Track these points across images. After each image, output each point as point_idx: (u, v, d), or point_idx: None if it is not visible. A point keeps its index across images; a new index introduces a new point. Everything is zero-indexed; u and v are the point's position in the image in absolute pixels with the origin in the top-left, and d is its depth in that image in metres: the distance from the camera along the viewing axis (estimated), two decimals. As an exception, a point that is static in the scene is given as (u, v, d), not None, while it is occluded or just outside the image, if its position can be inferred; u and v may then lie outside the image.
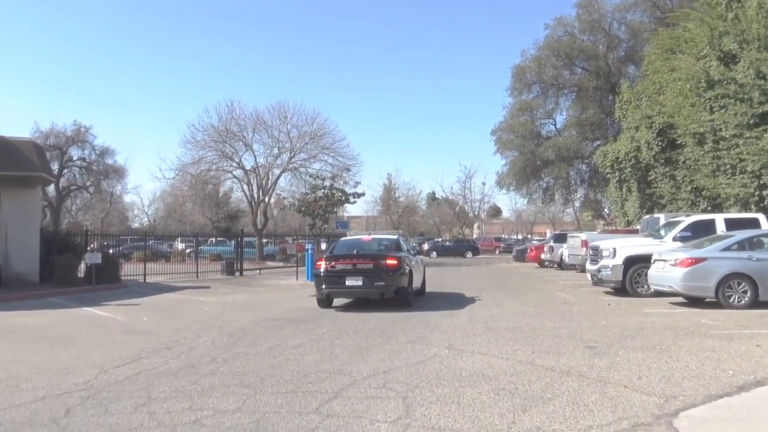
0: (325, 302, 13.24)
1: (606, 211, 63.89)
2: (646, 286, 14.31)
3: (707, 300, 12.10)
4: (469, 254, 50.71)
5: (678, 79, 20.03)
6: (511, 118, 36.54)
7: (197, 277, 25.94)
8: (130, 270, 24.36)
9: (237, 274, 27.90)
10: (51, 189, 72.58)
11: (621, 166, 26.33)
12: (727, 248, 11.92)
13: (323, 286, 12.82)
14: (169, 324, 10.99)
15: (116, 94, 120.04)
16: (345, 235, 34.92)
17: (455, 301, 14.17)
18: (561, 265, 28.43)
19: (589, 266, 15.81)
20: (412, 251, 15.89)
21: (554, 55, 33.87)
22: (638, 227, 28.40)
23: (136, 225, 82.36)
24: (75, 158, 73.62)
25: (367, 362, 7.04)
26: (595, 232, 21.71)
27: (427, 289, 16.64)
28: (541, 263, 31.64)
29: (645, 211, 27.14)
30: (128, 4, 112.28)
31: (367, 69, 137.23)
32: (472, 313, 11.84)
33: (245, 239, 42.62)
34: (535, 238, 73.47)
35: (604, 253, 14.87)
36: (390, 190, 71.67)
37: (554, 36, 34.25)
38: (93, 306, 14.19)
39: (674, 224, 15.18)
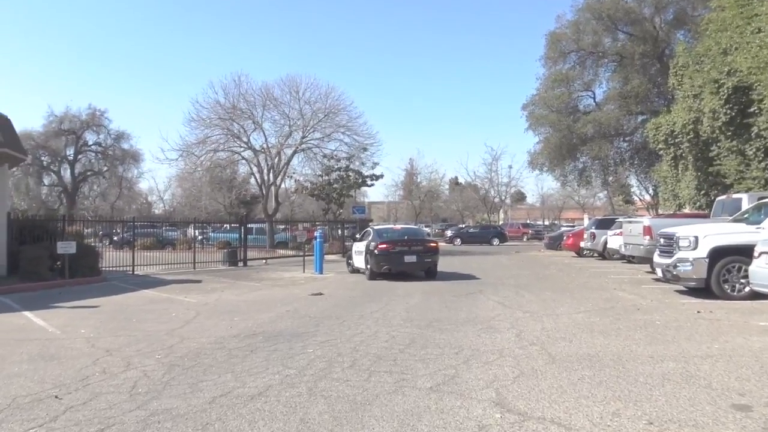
0: (378, 276, 17.03)
1: (637, 195, 60.03)
2: (737, 286, 11.10)
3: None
4: (496, 241, 47.47)
5: (759, 30, 16.59)
6: (545, 90, 32.95)
7: (194, 268, 23.18)
8: (122, 259, 21.61)
9: (240, 264, 25.11)
10: (67, 174, 71.25)
11: (677, 140, 22.81)
12: None
13: (383, 263, 16.73)
14: (108, 341, 8.09)
15: (129, 78, 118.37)
16: (366, 222, 32.21)
17: (490, 305, 11.05)
18: (604, 255, 25.21)
19: (658, 259, 12.55)
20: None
21: (595, 17, 30.07)
22: (685, 210, 25.12)
23: (157, 211, 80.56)
24: (90, 143, 72.05)
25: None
26: (653, 218, 18.33)
27: (453, 285, 14.40)
28: (579, 252, 28.36)
29: (702, 192, 23.70)
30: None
31: (384, 45, 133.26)
32: (517, 324, 8.74)
33: (257, 226, 40.15)
34: (564, 224, 69.97)
35: (682, 243, 11.60)
36: (412, 175, 68.30)
37: (594, -5, 30.60)
38: (38, 309, 11.37)
39: (772, 205, 11.84)
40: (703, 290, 11.46)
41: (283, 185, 39.22)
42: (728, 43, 20.23)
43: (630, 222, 16.28)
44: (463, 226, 60.69)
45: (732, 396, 4.90)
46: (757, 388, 5.14)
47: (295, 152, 35.03)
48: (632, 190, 60.10)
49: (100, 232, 41.35)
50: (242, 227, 26.60)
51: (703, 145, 22.38)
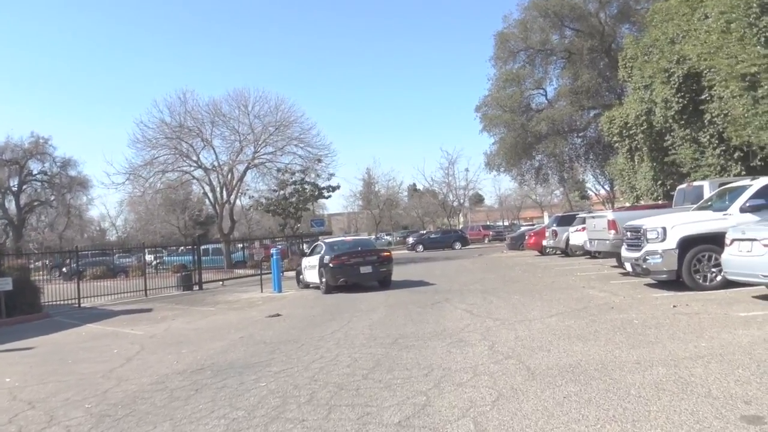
0: (334, 289, 16.89)
1: (592, 190, 60.67)
2: (709, 276, 10.75)
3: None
4: (458, 245, 47.15)
5: (706, 16, 16.51)
6: (497, 91, 32.75)
7: (146, 295, 21.98)
8: (69, 292, 20.26)
9: (196, 288, 23.99)
10: (12, 206, 68.30)
11: (631, 132, 22.73)
12: None
13: (339, 276, 16.65)
14: (33, 390, 7.15)
15: (72, 103, 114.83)
16: (328, 235, 31.42)
17: (458, 315, 10.43)
18: (567, 252, 25.00)
19: (626, 253, 12.14)
20: None
21: (541, 15, 30.05)
22: (642, 202, 25.09)
23: (112, 238, 77.81)
24: (35, 172, 69.30)
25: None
26: (617, 211, 18.03)
27: (418, 295, 13.54)
28: (542, 251, 28.13)
29: (659, 183, 23.69)
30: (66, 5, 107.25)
31: (331, 53, 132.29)
32: (489, 335, 8.12)
33: (213, 246, 38.84)
34: (524, 224, 70.32)
35: (650, 235, 11.21)
36: (370, 185, 67.63)
37: (539, -7, 30.59)
38: (-38, 356, 10.25)
39: (736, 191, 11.55)
40: (673, 282, 11.09)
41: (238, 202, 38.14)
42: (675, 32, 20.23)
43: (593, 217, 15.93)
44: (424, 232, 60.33)
45: (738, 405, 4.34)
46: (761, 392, 4.60)
47: (247, 168, 33.99)
48: (587, 185, 61.00)
49: (49, 265, 39.51)
50: (196, 249, 25.37)
51: (657, 135, 22.34)
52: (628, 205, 26.06)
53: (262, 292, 19.56)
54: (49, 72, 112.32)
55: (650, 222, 11.51)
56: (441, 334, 8.57)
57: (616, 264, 16.92)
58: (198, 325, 12.40)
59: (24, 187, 68.69)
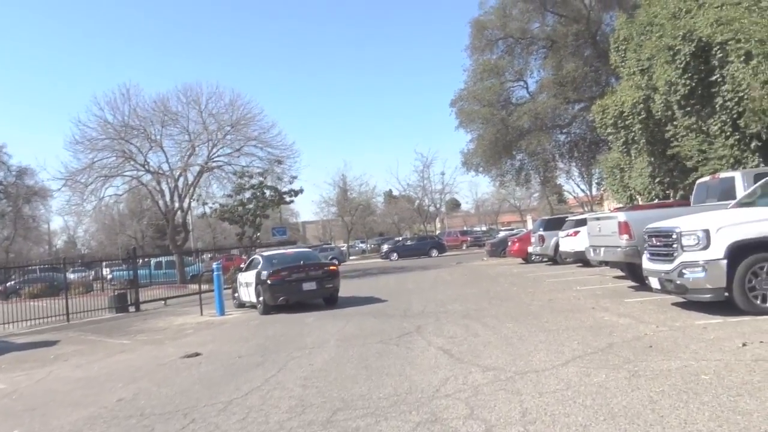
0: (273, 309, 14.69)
1: (570, 192, 58.18)
2: (770, 296, 7.97)
3: None
4: (435, 252, 44.34)
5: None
6: (474, 83, 29.96)
7: (68, 320, 18.61)
8: None
9: (132, 309, 20.68)
10: (-35, 217, 63.91)
11: (627, 122, 20.04)
12: None
13: (278, 294, 14.45)
14: None
15: (29, 110, 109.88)
16: (292, 244, 28.37)
17: (432, 358, 7.44)
18: (556, 259, 22.30)
19: (650, 264, 9.28)
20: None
21: (521, -1, 27.48)
22: (643, 201, 22.53)
23: (84, 251, 73.50)
24: (-11, 182, 65.17)
25: None
26: (630, 210, 15.09)
27: (383, 321, 10.64)
28: (527, 258, 25.40)
29: (657, 180, 21.09)
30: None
31: (294, 48, 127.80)
32: (479, 404, 5.15)
33: (167, 259, 35.35)
34: (502, 229, 67.75)
35: (687, 241, 8.36)
36: (345, 191, 64.22)
37: (518, -25, 27.86)
38: None
39: (794, 181, 8.80)
40: (725, 303, 8.27)
41: (198, 209, 34.70)
42: (677, 6, 17.62)
43: (598, 219, 13.06)
44: (400, 239, 57.39)
45: None
46: None
47: (202, 171, 30.66)
48: (564, 188, 58.51)
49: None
50: (131, 263, 22.01)
51: (656, 125, 19.75)
52: (620, 206, 23.43)
53: (201, 314, 16.42)
54: (7, 79, 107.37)
55: (686, 223, 8.65)
56: (405, 400, 5.57)
57: (621, 274, 14.19)
58: (86, 372, 9.22)
59: (-24, 197, 64.63)
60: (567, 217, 22.78)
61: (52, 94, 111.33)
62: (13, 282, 33.32)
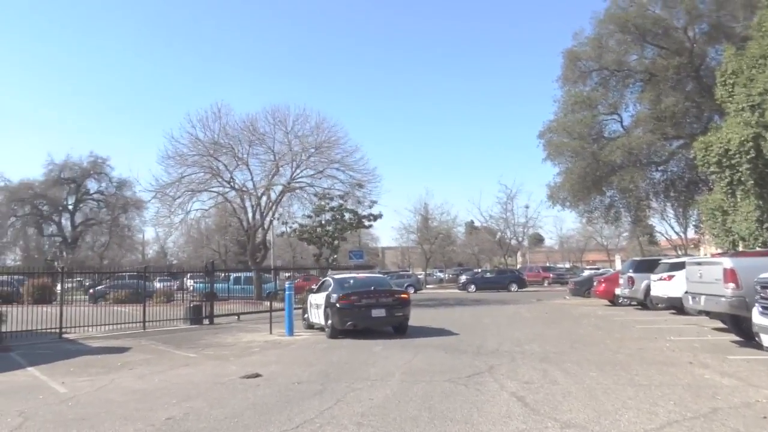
0: (341, 333, 14.33)
1: (663, 234, 54.84)
2: None
3: None
4: (514, 287, 42.80)
5: None
6: (564, 115, 28.78)
7: (144, 328, 18.97)
8: (74, 318, 17.56)
9: (206, 321, 20.90)
10: (67, 224, 68.20)
11: (733, 161, 18.46)
12: None
13: (347, 319, 14.12)
14: None
15: (132, 124, 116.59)
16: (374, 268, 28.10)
17: (504, 405, 6.69)
18: (646, 304, 20.76)
19: (763, 320, 8.15)
20: None
21: (620, 29, 26.02)
22: (745, 248, 20.64)
23: (174, 261, 76.38)
24: (92, 191, 69.30)
25: None
26: (736, 256, 13.62)
27: (452, 357, 9.86)
28: (614, 300, 23.83)
29: (766, 226, 19.24)
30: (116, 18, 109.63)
31: (380, 75, 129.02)
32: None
33: (246, 275, 35.89)
34: (587, 267, 64.88)
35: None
36: (427, 219, 63.46)
37: (617, 5, 26.51)
38: None
39: None
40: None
41: (279, 228, 35.16)
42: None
43: (698, 264, 11.86)
44: (479, 270, 55.99)
45: None
46: None
47: (284, 191, 31.01)
48: (656, 228, 55.26)
49: (87, 286, 37.40)
50: (209, 275, 22.28)
51: (766, 166, 18.10)
52: (719, 251, 21.60)
53: (271, 333, 16.25)
54: (113, 94, 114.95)
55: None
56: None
57: (722, 326, 12.81)
58: (146, 384, 9.06)
59: (80, 205, 68.74)
60: (661, 259, 21.18)
61: (149, 109, 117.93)
62: (102, 286, 34.76)
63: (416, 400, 7.12)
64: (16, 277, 31.50)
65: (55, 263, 56.20)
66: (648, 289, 20.17)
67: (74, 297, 30.77)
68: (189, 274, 34.66)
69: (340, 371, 9.50)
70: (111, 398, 8.01)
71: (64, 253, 64.33)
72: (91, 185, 69.83)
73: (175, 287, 34.24)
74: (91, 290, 34.16)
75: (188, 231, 66.39)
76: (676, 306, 18.30)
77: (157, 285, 36.59)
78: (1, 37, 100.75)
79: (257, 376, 9.31)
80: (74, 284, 38.41)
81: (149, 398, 7.91)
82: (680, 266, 18.27)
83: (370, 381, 8.47)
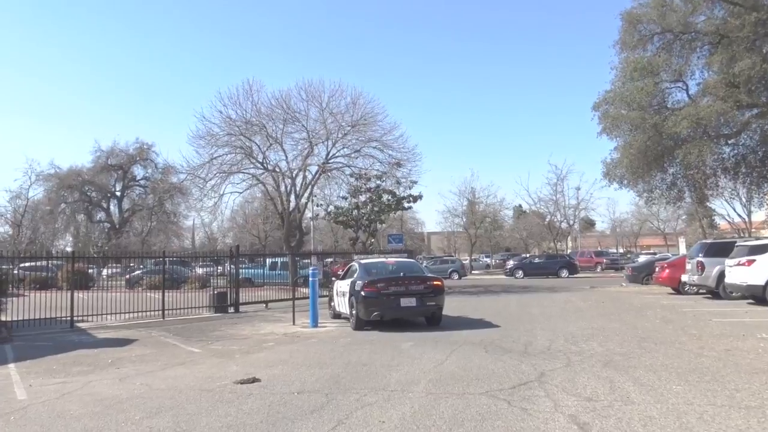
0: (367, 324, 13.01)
1: (725, 216, 51.04)
2: None
3: None
4: (565, 273, 40.46)
5: None
6: (622, 83, 26.02)
7: (163, 316, 17.70)
8: (93, 305, 16.48)
9: (231, 309, 19.56)
10: (115, 211, 68.79)
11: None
12: None
13: (373, 309, 12.70)
14: None
15: (169, 108, 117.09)
16: (413, 254, 26.39)
17: (560, 430, 4.84)
18: (718, 293, 18.40)
19: None
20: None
21: (686, -14, 23.31)
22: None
23: (221, 246, 76.49)
24: (138, 178, 69.70)
25: None
26: None
27: (493, 360, 7.92)
28: (679, 288, 21.44)
29: None
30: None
31: (423, 53, 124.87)
32: None
33: (283, 260, 34.52)
34: (642, 252, 61.50)
35: None
36: (474, 204, 61.05)
37: (683, -41, 23.69)
38: None
39: None
40: None
41: (309, 212, 33.64)
42: None
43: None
44: (527, 256, 53.53)
45: None
46: None
47: (320, 172, 29.41)
48: (715, 211, 51.44)
49: (126, 272, 36.87)
50: (234, 260, 20.87)
51: None
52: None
53: (294, 323, 14.71)
54: (157, 81, 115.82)
55: None
56: None
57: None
58: (122, 390, 7.51)
59: (127, 191, 69.21)
60: (736, 241, 18.71)
61: (183, 91, 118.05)
62: (138, 272, 34.05)
63: (442, 422, 5.33)
64: (54, 262, 30.99)
65: (105, 249, 56.59)
66: (721, 275, 17.86)
67: (113, 283, 30.26)
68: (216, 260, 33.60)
69: (354, 376, 7.77)
70: (66, 411, 6.47)
71: (112, 239, 64.73)
72: (138, 171, 70.11)
73: (217, 273, 33.30)
74: (127, 276, 33.57)
75: (232, 216, 66.19)
76: (756, 295, 16.00)
77: (199, 271, 35.84)
78: (49, 36, 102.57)
79: (254, 381, 7.68)
80: (112, 271, 38.05)
81: (111, 412, 6.33)
82: (763, 249, 15.91)
83: (388, 392, 6.72)
